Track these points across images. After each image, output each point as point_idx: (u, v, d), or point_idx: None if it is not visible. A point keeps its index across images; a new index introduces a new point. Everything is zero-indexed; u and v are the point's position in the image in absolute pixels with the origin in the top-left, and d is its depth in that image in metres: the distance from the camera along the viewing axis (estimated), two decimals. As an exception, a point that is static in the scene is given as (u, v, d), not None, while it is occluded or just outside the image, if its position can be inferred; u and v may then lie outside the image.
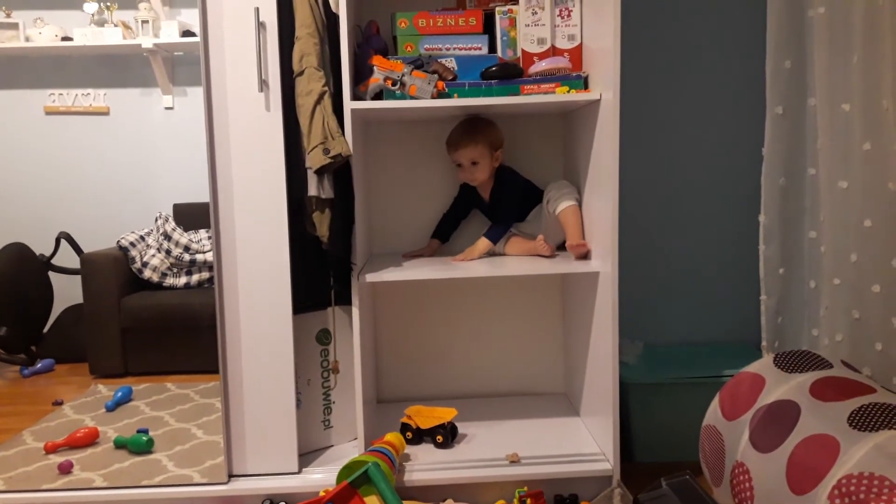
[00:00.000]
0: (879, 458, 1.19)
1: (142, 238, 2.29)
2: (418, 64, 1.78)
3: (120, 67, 2.31)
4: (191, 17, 2.28)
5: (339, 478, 1.62)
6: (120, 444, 1.95)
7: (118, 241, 2.28)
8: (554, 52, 1.90)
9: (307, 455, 1.83)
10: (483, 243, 1.97)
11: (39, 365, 2.40)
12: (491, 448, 1.85)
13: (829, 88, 1.83)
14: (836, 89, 1.81)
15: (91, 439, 1.99)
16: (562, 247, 1.95)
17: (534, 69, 1.84)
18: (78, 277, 2.27)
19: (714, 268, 2.34)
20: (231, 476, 1.74)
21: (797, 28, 1.99)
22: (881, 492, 1.14)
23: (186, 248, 2.27)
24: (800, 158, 2.04)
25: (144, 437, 1.93)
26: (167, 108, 2.29)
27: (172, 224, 2.28)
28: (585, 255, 1.85)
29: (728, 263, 2.33)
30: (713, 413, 1.64)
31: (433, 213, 2.14)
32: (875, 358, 1.72)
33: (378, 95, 1.76)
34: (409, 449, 1.86)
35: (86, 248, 2.31)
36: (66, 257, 2.33)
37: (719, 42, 2.26)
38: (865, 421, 1.28)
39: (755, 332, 2.21)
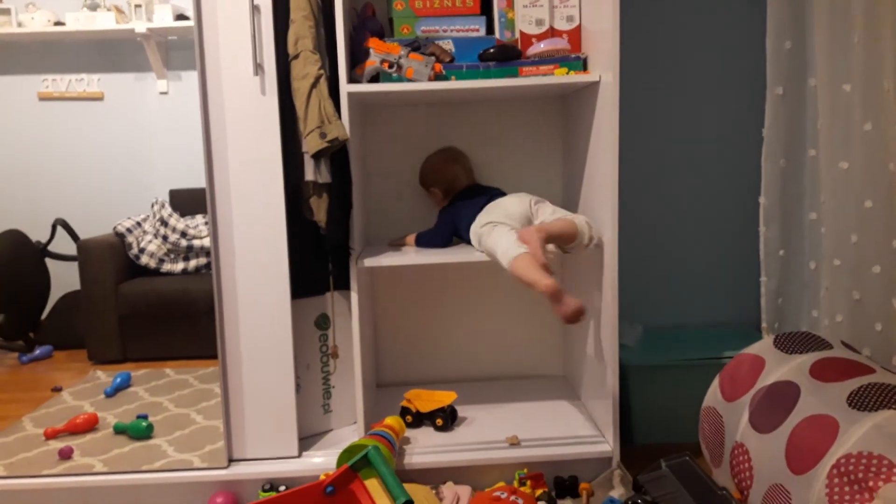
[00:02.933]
0: (878, 437, 1.20)
1: (138, 224, 2.28)
2: (415, 46, 1.76)
3: (113, 52, 2.28)
4: (184, 1, 2.25)
5: (340, 461, 1.62)
6: (120, 430, 1.95)
7: (115, 228, 2.27)
8: (552, 33, 1.88)
9: (307, 439, 1.83)
10: (410, 238, 2.00)
11: (38, 352, 2.39)
12: (491, 431, 1.86)
13: (830, 69, 1.82)
14: (837, 70, 1.80)
15: (91, 425, 1.99)
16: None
17: (532, 51, 1.83)
18: (75, 264, 2.26)
19: (714, 250, 2.33)
20: (231, 460, 1.74)
21: (797, 8, 1.98)
22: (880, 471, 1.14)
23: (183, 234, 2.25)
24: (800, 139, 2.03)
25: (144, 423, 1.93)
26: (162, 93, 2.27)
27: (169, 210, 2.26)
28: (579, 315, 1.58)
29: (728, 245, 2.32)
30: (713, 394, 1.65)
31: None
32: (875, 338, 1.73)
33: (375, 78, 1.74)
34: (409, 432, 1.87)
35: (82, 235, 2.29)
36: (63, 244, 2.31)
37: (719, 23, 2.24)
38: (865, 401, 1.29)
39: (755, 313, 2.21)
